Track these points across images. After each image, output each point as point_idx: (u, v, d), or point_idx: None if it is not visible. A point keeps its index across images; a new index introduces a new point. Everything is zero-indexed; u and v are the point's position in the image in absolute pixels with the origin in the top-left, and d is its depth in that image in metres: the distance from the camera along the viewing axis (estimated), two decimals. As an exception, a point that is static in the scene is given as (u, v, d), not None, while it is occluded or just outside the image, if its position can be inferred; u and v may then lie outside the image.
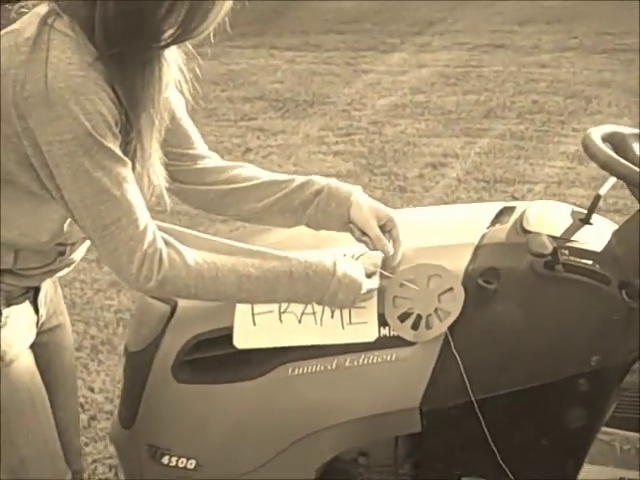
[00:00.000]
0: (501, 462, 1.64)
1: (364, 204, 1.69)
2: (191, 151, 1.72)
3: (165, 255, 1.48)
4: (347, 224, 1.69)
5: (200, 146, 1.75)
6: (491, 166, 5.07)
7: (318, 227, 1.73)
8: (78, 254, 1.68)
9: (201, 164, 1.73)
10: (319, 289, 1.57)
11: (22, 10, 1.50)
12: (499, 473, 1.67)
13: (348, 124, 5.88)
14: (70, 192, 1.44)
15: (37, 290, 1.68)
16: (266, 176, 1.75)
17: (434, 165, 5.07)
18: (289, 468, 1.71)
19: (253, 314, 1.68)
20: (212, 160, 1.76)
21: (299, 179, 1.73)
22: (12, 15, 1.50)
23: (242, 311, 1.69)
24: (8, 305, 1.60)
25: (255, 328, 1.68)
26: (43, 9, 1.44)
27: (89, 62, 1.40)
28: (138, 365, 1.80)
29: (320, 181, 1.72)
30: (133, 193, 1.46)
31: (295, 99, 6.50)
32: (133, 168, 1.49)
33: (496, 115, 6.05)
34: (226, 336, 1.70)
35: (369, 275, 1.64)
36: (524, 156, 5.24)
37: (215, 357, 1.72)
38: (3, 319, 1.59)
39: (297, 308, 1.66)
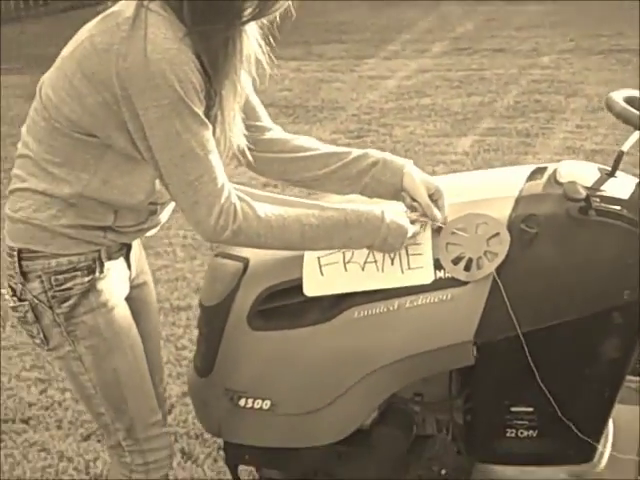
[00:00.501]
0: (544, 390, 1.87)
1: (415, 175, 1.93)
2: (258, 123, 1.97)
3: (239, 208, 1.72)
4: (399, 192, 1.94)
5: (265, 119, 2.00)
6: (500, 162, 5.32)
7: (372, 195, 1.97)
8: (164, 215, 1.93)
9: (267, 135, 1.98)
10: (371, 234, 1.81)
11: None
12: (545, 403, 1.90)
13: (359, 127, 6.14)
14: (160, 152, 1.69)
15: (129, 248, 1.93)
16: (325, 147, 2.00)
17: (445, 162, 5.33)
18: (354, 404, 1.94)
19: (320, 265, 1.92)
20: (276, 132, 2.01)
21: (356, 151, 1.98)
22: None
23: (310, 263, 1.93)
24: (108, 259, 1.84)
25: (323, 277, 1.92)
26: None
27: (180, 37, 1.64)
28: (214, 318, 2.03)
29: (376, 154, 1.97)
30: (214, 154, 1.71)
31: (305, 105, 6.77)
32: (214, 132, 1.74)
33: (501, 115, 6.32)
34: (296, 286, 1.93)
35: (411, 222, 1.88)
36: (532, 152, 5.50)
37: (286, 306, 1.95)
38: (105, 270, 1.83)
39: (360, 257, 1.90)
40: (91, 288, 1.81)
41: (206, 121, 1.70)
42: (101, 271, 1.83)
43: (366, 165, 1.94)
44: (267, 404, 1.98)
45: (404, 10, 10.77)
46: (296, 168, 1.97)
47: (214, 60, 1.69)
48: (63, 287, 1.80)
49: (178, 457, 2.72)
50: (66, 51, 1.76)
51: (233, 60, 1.71)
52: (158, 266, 4.08)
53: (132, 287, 1.98)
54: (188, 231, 4.58)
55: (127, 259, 1.93)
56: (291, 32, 8.75)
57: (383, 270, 1.89)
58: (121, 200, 1.79)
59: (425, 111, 6.50)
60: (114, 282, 1.87)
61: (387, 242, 1.83)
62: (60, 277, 1.80)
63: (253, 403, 1.99)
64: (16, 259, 1.80)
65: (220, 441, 2.76)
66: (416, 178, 1.92)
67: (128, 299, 1.94)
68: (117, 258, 1.88)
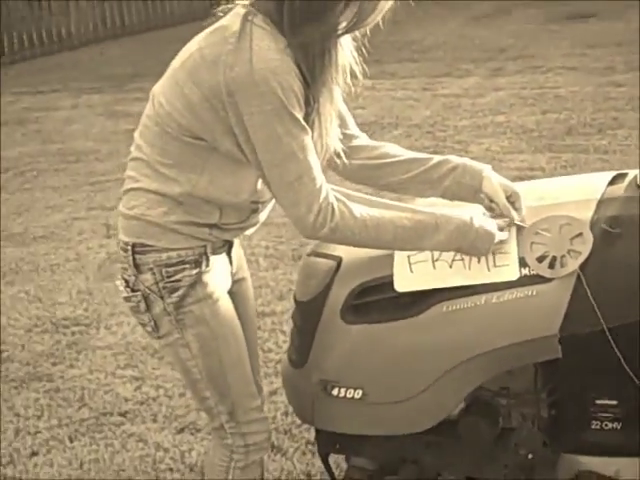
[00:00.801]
0: (635, 379, 1.96)
1: (494, 178, 2.08)
2: (347, 131, 2.13)
3: (336, 208, 1.88)
4: (478, 195, 2.08)
5: (353, 127, 2.16)
6: (576, 178, 5.39)
7: (452, 197, 2.12)
8: (263, 215, 2.10)
9: (355, 142, 2.15)
10: (459, 238, 1.96)
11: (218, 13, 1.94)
12: (629, 395, 2.00)
13: (434, 144, 6.27)
14: (263, 154, 1.86)
15: (231, 245, 2.10)
16: (408, 154, 2.16)
17: (522, 178, 5.41)
18: (442, 394, 2.08)
19: (410, 263, 2.07)
20: (363, 139, 2.17)
21: (437, 157, 2.14)
22: (218, 14, 1.94)
23: (400, 261, 2.08)
24: (213, 254, 2.02)
25: (412, 274, 2.07)
26: (242, 10, 1.87)
27: (282, 48, 1.82)
28: (309, 312, 2.20)
29: (456, 159, 2.12)
30: (313, 156, 1.88)
31: (380, 122, 6.93)
32: (312, 136, 1.90)
33: (578, 132, 6.38)
34: (387, 283, 2.08)
35: (500, 229, 2.02)
36: (609, 168, 5.54)
37: (378, 301, 2.11)
38: (210, 264, 2.01)
39: (448, 256, 2.04)
40: (198, 280, 1.99)
41: (305, 126, 1.87)
42: (207, 265, 2.01)
43: (446, 169, 2.09)
44: (359, 393, 2.13)
45: (476, 29, 10.89)
46: (381, 174, 2.14)
47: (312, 69, 1.86)
48: (173, 279, 1.98)
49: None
50: (176, 62, 1.96)
51: (329, 69, 1.88)
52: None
53: (233, 282, 2.15)
54: (270, 242, 4.79)
55: (229, 255, 2.11)
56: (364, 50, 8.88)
57: (470, 268, 2.03)
58: (226, 199, 1.97)
59: (500, 128, 6.60)
60: (218, 276, 2.05)
61: (475, 246, 1.97)
62: (170, 269, 1.98)
63: (345, 392, 2.14)
64: (130, 253, 1.99)
65: (308, 435, 2.93)
66: (494, 181, 2.07)
67: (229, 292, 2.12)
68: (221, 253, 2.06)
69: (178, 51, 2.00)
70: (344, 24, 1.86)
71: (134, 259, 2.00)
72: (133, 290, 2.02)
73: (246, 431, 2.11)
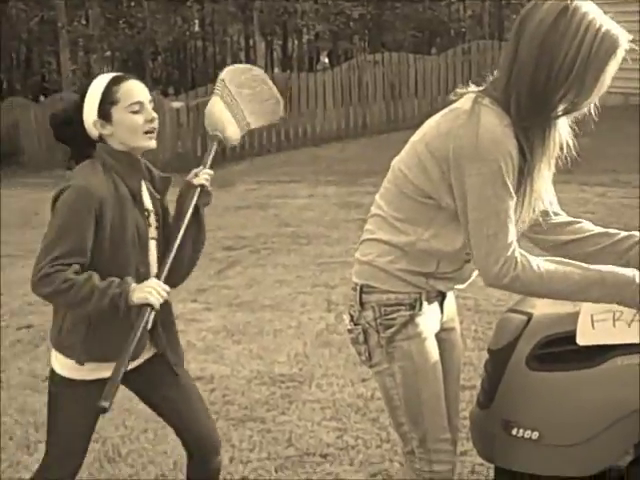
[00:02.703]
0: None
1: None
2: (553, 209, 2.50)
3: (519, 261, 2.23)
4: None
5: (556, 205, 2.52)
6: None
7: (634, 266, 2.38)
8: (474, 273, 2.46)
9: (555, 219, 2.52)
10: (622, 292, 2.24)
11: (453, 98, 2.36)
12: None
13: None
14: (471, 210, 2.24)
15: (444, 297, 2.50)
16: (598, 229, 2.52)
17: None
18: (611, 442, 2.32)
19: (593, 320, 2.37)
20: (563, 216, 2.52)
21: (624, 232, 2.49)
22: (450, 98, 2.37)
23: (584, 318, 2.38)
24: (427, 301, 2.42)
25: (594, 330, 2.36)
26: (473, 95, 2.29)
27: (505, 124, 2.21)
28: (498, 359, 2.53)
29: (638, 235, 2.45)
30: (510, 219, 2.24)
31: (606, 227, 7.07)
32: (522, 202, 2.28)
33: None
34: (570, 336, 2.38)
35: None
36: None
37: (561, 352, 2.40)
38: (423, 309, 2.41)
39: (628, 316, 2.32)
40: (410, 321, 2.39)
41: (513, 193, 2.23)
42: (420, 309, 2.41)
43: (633, 242, 2.45)
44: (536, 435, 2.42)
45: None
46: (574, 246, 2.50)
47: (531, 145, 2.25)
48: (389, 317, 2.40)
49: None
50: (416, 137, 2.40)
51: (546, 146, 2.27)
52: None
53: (442, 329, 2.54)
54: (480, 327, 5.11)
55: (441, 305, 2.50)
56: (599, 160, 9.24)
57: (646, 328, 2.29)
58: (445, 250, 2.36)
59: None
60: (429, 321, 2.45)
61: (634, 300, 2.24)
62: (388, 309, 2.40)
63: (524, 433, 2.44)
64: (358, 292, 2.44)
65: (489, 474, 3.20)
66: None
67: (437, 338, 2.50)
68: (433, 302, 2.46)
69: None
70: (563, 107, 2.23)
71: (360, 298, 2.43)
72: (356, 324, 2.46)
73: (433, 459, 2.45)
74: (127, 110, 2.69)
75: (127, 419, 4.26)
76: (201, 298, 6.59)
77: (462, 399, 4.10)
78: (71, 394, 2.72)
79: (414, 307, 2.39)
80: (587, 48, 2.16)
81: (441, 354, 2.49)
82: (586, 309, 2.41)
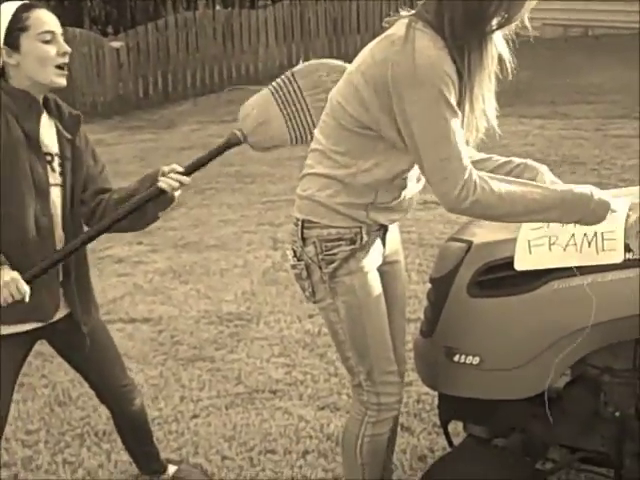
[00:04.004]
0: None
1: (547, 175, 2.46)
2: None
3: (478, 183, 2.20)
4: None
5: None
6: None
7: None
8: (412, 201, 2.47)
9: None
10: (581, 209, 2.24)
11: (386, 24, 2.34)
12: None
13: (598, 181, 6.44)
14: (419, 136, 2.20)
15: (385, 230, 2.50)
16: (481, 155, 2.52)
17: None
18: (549, 363, 2.38)
19: (530, 245, 2.42)
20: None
21: (503, 158, 2.54)
22: (383, 25, 2.35)
23: (521, 243, 2.42)
24: (367, 235, 2.41)
25: (531, 255, 2.41)
26: (405, 20, 2.27)
27: (439, 47, 2.19)
28: (440, 287, 2.57)
29: (518, 160, 2.52)
30: (460, 139, 2.21)
31: (545, 159, 7.16)
32: (463, 119, 2.25)
33: None
34: (508, 263, 2.43)
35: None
36: None
37: (500, 278, 2.45)
38: (364, 243, 2.41)
39: (563, 240, 2.37)
40: (351, 255, 2.40)
41: (458, 111, 2.21)
42: (361, 243, 2.40)
43: (510, 167, 2.49)
44: (477, 360, 2.47)
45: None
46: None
47: (467, 64, 2.23)
48: (331, 252, 2.40)
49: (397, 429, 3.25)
50: (351, 67, 2.38)
51: (483, 62, 2.25)
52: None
53: (385, 263, 2.54)
54: (424, 260, 5.17)
55: (383, 239, 2.50)
56: (538, 92, 9.27)
57: (581, 251, 2.35)
58: (384, 178, 2.35)
59: (672, 170, 6.70)
60: (370, 254, 2.44)
61: (595, 214, 2.25)
62: (329, 244, 2.40)
63: (465, 359, 2.49)
64: (300, 227, 2.43)
65: (435, 419, 3.29)
66: (546, 177, 2.44)
67: (380, 271, 2.50)
68: (375, 236, 2.45)
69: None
70: (496, 20, 2.21)
71: (302, 233, 2.43)
72: (299, 260, 2.46)
73: (380, 391, 2.49)
74: (38, 39, 2.51)
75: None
76: (146, 240, 6.55)
77: (408, 331, 4.20)
78: None
79: (355, 242, 2.39)
80: None
81: (384, 287, 2.51)
82: (523, 235, 2.46)
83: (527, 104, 9.19)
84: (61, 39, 2.57)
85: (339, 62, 2.74)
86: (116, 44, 13.04)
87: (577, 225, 2.31)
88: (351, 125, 2.33)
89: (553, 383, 2.39)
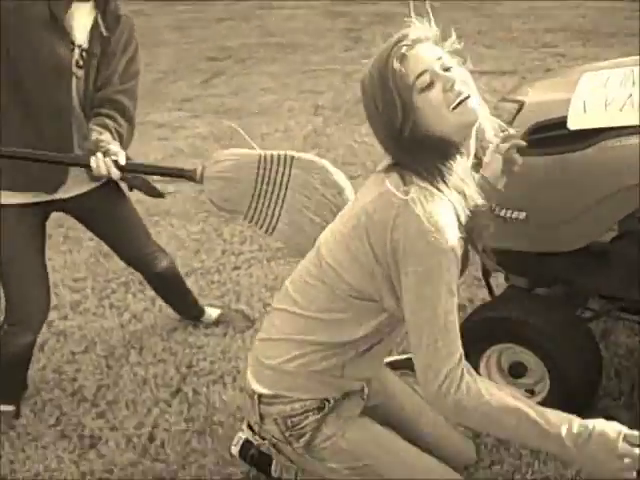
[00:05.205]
0: None
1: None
2: None
3: (464, 381, 1.80)
4: None
5: None
6: None
7: None
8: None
9: None
10: (570, 456, 1.77)
11: None
12: None
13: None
14: (410, 313, 1.84)
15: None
16: None
17: None
18: (597, 218, 2.41)
19: (585, 105, 2.41)
20: None
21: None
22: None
23: (576, 103, 2.42)
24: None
25: (586, 114, 2.41)
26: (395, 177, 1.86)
27: (435, 200, 1.81)
28: (489, 145, 2.58)
29: None
30: (454, 323, 1.82)
31: (597, 31, 7.03)
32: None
33: None
34: (559, 122, 2.43)
35: None
36: None
37: (550, 137, 2.46)
38: (332, 404, 2.06)
39: (619, 101, 2.36)
40: (322, 422, 2.06)
41: (455, 291, 1.82)
42: (329, 406, 2.06)
43: None
44: (522, 215, 2.51)
45: None
46: None
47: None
48: (297, 427, 2.05)
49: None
50: (344, 227, 1.95)
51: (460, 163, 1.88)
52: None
53: (373, 405, 2.23)
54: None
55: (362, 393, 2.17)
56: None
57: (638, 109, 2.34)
58: (366, 342, 2.01)
59: None
60: (345, 409, 2.10)
61: (596, 461, 1.76)
62: (295, 419, 2.04)
63: (511, 214, 2.53)
64: (256, 403, 2.06)
65: (474, 272, 3.34)
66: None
67: (372, 407, 2.21)
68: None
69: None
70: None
71: (259, 409, 2.06)
72: (262, 438, 2.19)
73: None
74: None
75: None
76: (187, 106, 6.58)
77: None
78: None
79: (323, 408, 2.06)
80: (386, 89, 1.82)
81: (386, 418, 2.23)
82: (578, 94, 2.45)
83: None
84: None
85: (339, 175, 2.47)
86: None
87: (635, 85, 2.30)
88: (348, 294, 1.96)
89: (600, 237, 2.43)
